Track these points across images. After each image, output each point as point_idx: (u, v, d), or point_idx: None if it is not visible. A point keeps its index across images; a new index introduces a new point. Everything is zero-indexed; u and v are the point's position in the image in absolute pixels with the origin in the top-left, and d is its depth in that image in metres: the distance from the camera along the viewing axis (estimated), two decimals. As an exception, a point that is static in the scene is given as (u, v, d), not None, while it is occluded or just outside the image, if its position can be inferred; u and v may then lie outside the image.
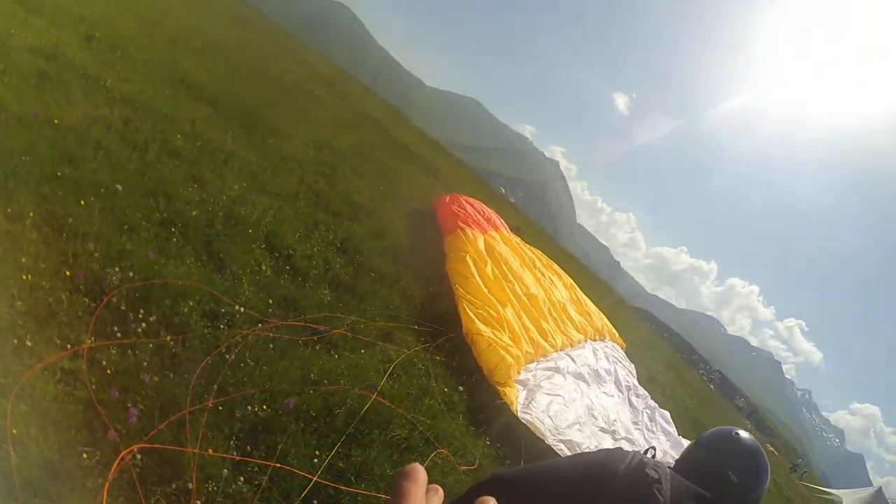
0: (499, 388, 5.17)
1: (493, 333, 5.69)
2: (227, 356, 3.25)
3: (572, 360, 7.26)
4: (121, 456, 2.30)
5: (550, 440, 4.97)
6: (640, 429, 7.57)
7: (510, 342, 5.83)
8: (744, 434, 1.74)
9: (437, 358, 5.01)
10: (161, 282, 3.36)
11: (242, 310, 3.68)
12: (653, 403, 8.86)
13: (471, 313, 5.78)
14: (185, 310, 3.36)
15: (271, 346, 3.62)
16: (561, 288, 9.97)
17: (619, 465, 1.46)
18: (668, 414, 8.82)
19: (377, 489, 3.21)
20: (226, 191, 4.92)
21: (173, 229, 3.97)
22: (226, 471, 2.60)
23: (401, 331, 4.97)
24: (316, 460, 3.05)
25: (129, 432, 2.51)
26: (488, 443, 4.58)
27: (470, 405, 4.82)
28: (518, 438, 4.77)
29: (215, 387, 2.99)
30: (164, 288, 3.36)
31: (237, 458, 2.70)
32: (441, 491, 0.52)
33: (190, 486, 2.44)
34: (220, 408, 2.91)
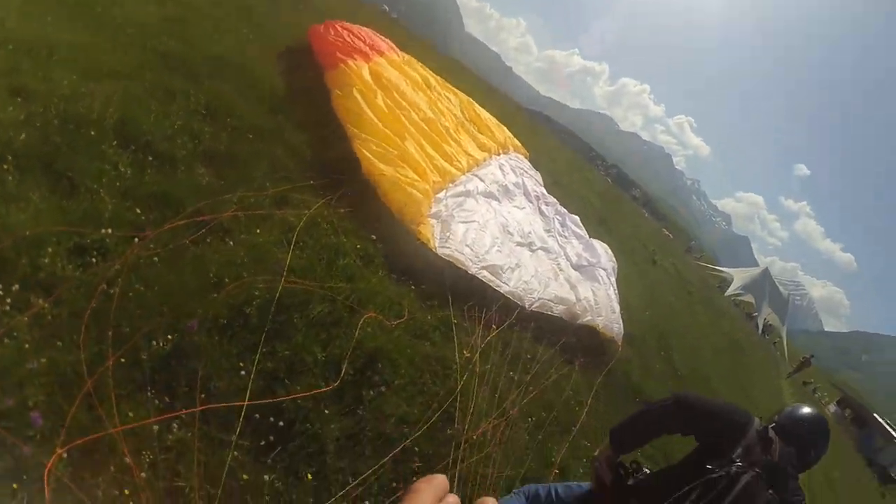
0: (412, 228, 4.97)
1: (397, 171, 5.34)
2: (112, 292, 2.76)
3: (480, 179, 7.14)
4: (46, 473, 1.94)
5: (473, 269, 4.98)
6: (553, 236, 7.85)
7: (416, 176, 5.53)
8: (818, 414, 2.43)
9: (342, 211, 4.68)
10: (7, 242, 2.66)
11: (110, 231, 3.06)
12: (562, 209, 9.17)
13: (368, 153, 5.35)
14: (47, 260, 2.74)
15: (156, 260, 3.14)
16: (458, 106, 9.55)
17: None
18: (577, 218, 9.20)
19: (314, 379, 3.08)
20: (55, 91, 3.90)
21: (4, 165, 3.12)
22: (155, 427, 2.32)
23: (296, 191, 4.51)
24: (243, 372, 2.82)
25: (44, 436, 2.10)
26: (413, 288, 4.49)
27: (387, 253, 4.66)
28: (441, 275, 4.73)
29: (110, 334, 2.55)
30: (14, 247, 2.68)
31: (157, 420, 2.37)
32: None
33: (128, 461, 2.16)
34: (123, 359, 2.52)
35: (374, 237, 4.67)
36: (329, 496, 2.71)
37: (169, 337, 2.74)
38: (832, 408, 42.73)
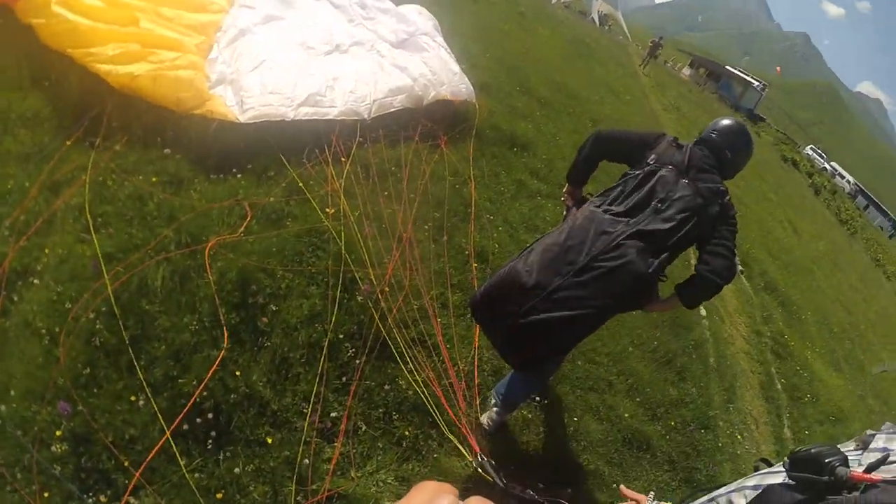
0: (201, 112, 3.97)
1: (149, 62, 4.10)
2: None
3: (249, 7, 5.87)
4: None
5: (291, 114, 4.19)
6: (358, 25, 6.84)
7: (174, 54, 4.29)
8: (735, 122, 2.74)
9: (118, 148, 3.56)
10: None
11: None
12: (356, -10, 7.95)
13: (107, 65, 3.98)
14: None
15: None
16: None
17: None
18: None
19: (206, 350, 2.56)
20: None
21: None
22: None
23: (59, 166, 3.28)
24: (141, 402, 2.27)
25: None
26: (240, 177, 3.69)
27: (193, 159, 3.66)
28: (263, 142, 3.94)
29: None
30: None
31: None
32: None
33: None
34: None
35: (167, 151, 3.66)
36: (299, 441, 2.47)
37: None
38: (686, 71, 46.44)
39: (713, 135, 2.65)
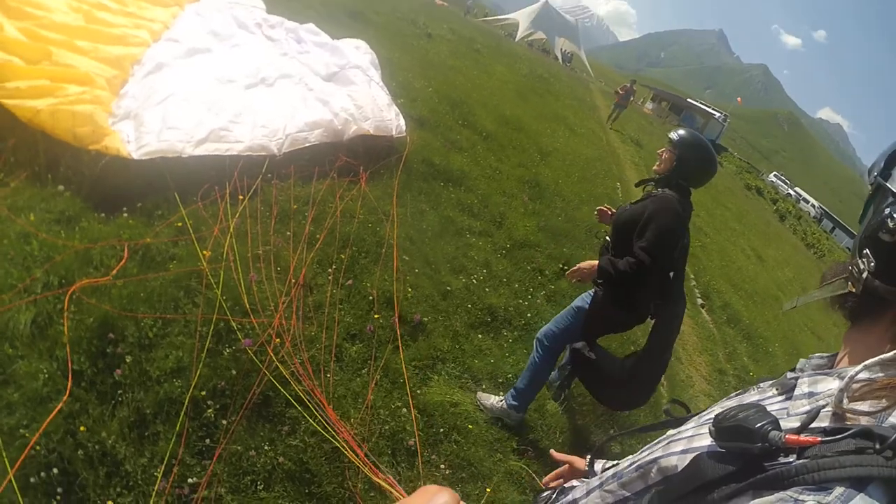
0: (96, 147, 3.69)
1: (55, 97, 3.84)
2: None
3: (175, 41, 5.64)
4: None
5: (190, 150, 3.92)
6: (291, 58, 6.67)
7: (81, 88, 4.04)
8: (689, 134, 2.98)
9: (13, 185, 3.31)
10: None
11: None
12: (292, 25, 7.80)
13: (15, 100, 3.72)
14: None
15: None
16: None
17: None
18: (312, 26, 7.89)
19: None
20: None
21: None
22: None
23: None
24: None
25: None
26: (127, 215, 3.39)
27: (85, 195, 3.41)
28: (160, 178, 3.65)
29: None
30: None
31: None
32: None
33: None
34: None
35: (61, 188, 3.39)
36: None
37: None
38: (649, 105, 47.76)
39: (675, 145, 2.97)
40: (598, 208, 3.39)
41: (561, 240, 6.26)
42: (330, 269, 3.61)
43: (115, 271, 2.94)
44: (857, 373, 0.72)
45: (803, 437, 0.68)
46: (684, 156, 2.93)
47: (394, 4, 17.07)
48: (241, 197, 3.71)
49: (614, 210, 3.23)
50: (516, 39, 38.18)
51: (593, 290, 3.12)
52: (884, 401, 0.70)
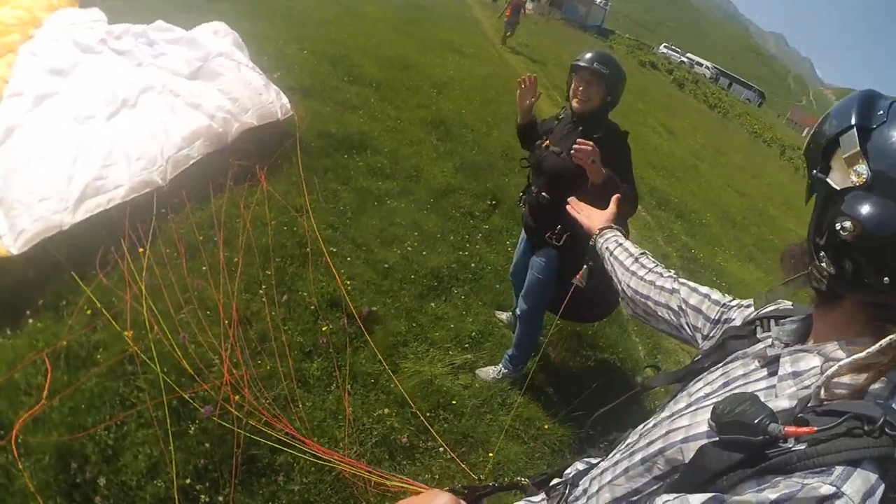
0: None
1: None
2: None
3: (18, 94, 4.90)
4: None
5: (69, 218, 3.43)
6: (146, 66, 5.99)
7: None
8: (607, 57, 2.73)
9: None
10: None
11: None
12: (138, 28, 6.93)
13: None
14: None
15: None
16: None
17: None
18: (160, 23, 6.92)
19: None
20: None
21: None
22: None
23: None
24: None
25: None
26: (30, 320, 2.96)
27: None
28: (53, 261, 3.23)
29: None
30: None
31: None
32: None
33: None
34: None
35: None
36: None
37: None
38: (529, 5, 46.79)
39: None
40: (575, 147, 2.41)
41: (482, 174, 6.16)
42: (261, 291, 3.37)
43: (45, 392, 2.56)
44: (833, 373, 0.78)
45: (801, 429, 0.74)
46: (614, 83, 2.73)
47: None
48: (140, 250, 3.34)
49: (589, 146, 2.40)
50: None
51: (543, 252, 3.07)
52: (861, 379, 0.78)
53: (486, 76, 11.47)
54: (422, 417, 2.98)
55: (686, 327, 1.33)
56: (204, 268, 3.39)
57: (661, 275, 1.46)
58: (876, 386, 0.77)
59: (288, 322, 3.26)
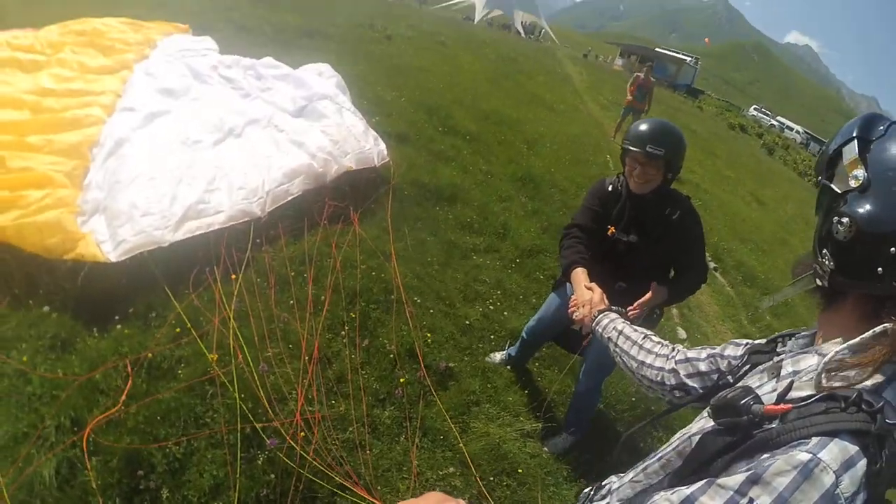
0: (71, 258, 3.44)
1: (16, 209, 3.57)
2: None
3: (130, 110, 5.35)
4: None
5: (170, 236, 3.65)
6: (253, 98, 6.42)
7: (42, 192, 3.75)
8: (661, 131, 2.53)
9: None
10: None
11: None
12: (248, 61, 7.52)
13: None
14: None
15: None
16: (63, 45, 6.93)
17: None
18: (269, 59, 7.61)
19: None
20: None
21: None
22: None
23: None
24: None
25: None
26: (119, 327, 3.13)
27: (73, 310, 3.16)
28: (147, 275, 3.42)
29: None
30: None
31: None
32: None
33: None
34: None
35: (47, 308, 3.10)
36: None
37: None
38: (618, 62, 47.41)
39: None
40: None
41: (567, 238, 6.08)
42: (343, 332, 3.42)
43: (123, 397, 2.69)
44: (830, 359, 0.86)
45: (779, 406, 0.84)
46: (671, 158, 2.53)
47: (348, 12, 16.72)
48: (233, 276, 3.48)
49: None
50: (475, 21, 37.85)
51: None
52: (853, 375, 0.83)
53: (577, 135, 11.49)
54: (480, 485, 2.89)
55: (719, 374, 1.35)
56: (291, 301, 3.48)
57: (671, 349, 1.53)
58: (870, 381, 0.82)
59: (366, 367, 3.28)
